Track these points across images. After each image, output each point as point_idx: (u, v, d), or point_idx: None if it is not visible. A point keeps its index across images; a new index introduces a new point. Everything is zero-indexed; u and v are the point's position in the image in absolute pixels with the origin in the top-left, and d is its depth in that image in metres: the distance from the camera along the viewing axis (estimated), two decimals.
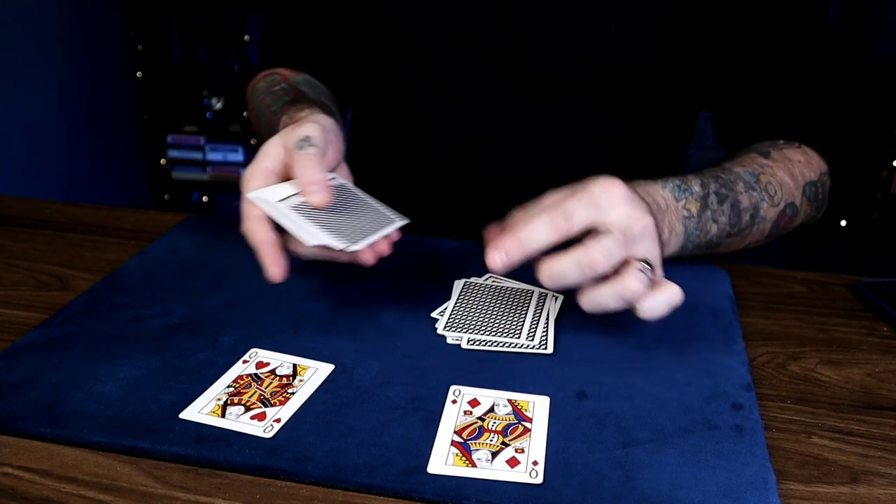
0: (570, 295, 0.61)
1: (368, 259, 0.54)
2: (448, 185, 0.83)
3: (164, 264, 0.66)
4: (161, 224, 0.77)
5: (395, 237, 0.57)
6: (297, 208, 0.52)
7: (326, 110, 0.67)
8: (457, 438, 0.45)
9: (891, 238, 2.11)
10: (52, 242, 0.73)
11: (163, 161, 2.50)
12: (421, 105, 0.81)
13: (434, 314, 0.58)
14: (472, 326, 0.56)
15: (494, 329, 0.56)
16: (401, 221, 0.58)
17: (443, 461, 0.43)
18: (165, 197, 2.55)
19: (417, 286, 0.63)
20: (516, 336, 0.55)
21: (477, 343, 0.55)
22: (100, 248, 0.72)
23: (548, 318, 0.58)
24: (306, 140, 0.55)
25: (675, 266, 0.67)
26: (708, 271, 0.67)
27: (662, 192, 0.59)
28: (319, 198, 0.53)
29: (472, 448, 0.44)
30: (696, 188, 0.61)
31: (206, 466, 0.43)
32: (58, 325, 0.57)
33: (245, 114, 2.40)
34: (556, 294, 0.61)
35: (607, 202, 0.50)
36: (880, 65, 2.12)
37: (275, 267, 0.52)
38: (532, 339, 0.55)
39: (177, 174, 2.52)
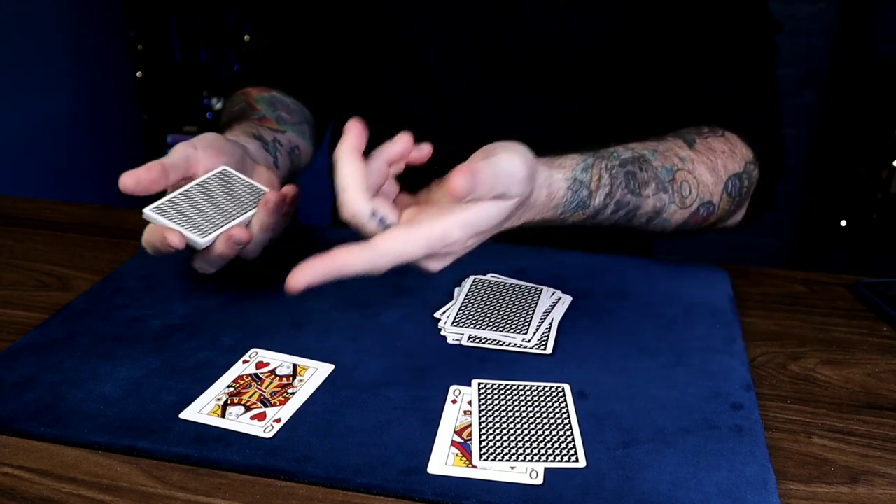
0: (575, 296, 0.61)
1: (240, 235, 0.53)
2: (435, 178, 0.83)
3: (164, 264, 0.66)
4: None
5: (289, 192, 0.57)
6: (167, 210, 0.54)
7: (251, 128, 0.70)
8: (457, 438, 0.45)
9: (891, 238, 2.11)
10: (52, 242, 0.73)
11: None
12: (401, 103, 0.81)
13: (437, 314, 0.58)
14: (476, 322, 0.56)
15: (498, 325, 0.56)
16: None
17: (443, 461, 0.43)
18: None
19: (417, 286, 0.63)
20: (516, 335, 0.55)
21: (478, 340, 0.55)
22: (100, 248, 0.72)
23: (551, 320, 0.58)
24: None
25: (674, 266, 0.67)
26: (708, 271, 0.67)
27: (559, 204, 0.57)
28: (123, 178, 0.54)
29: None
30: (597, 202, 0.59)
31: (206, 466, 0.43)
32: (58, 325, 0.57)
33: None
34: (563, 295, 0.61)
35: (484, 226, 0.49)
36: (880, 65, 2.12)
37: (169, 237, 0.52)
38: (532, 339, 0.55)
39: None
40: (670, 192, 0.64)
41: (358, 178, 0.48)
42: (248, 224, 0.56)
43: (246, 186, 0.59)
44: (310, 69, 0.86)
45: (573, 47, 0.74)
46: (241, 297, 0.61)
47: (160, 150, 2.49)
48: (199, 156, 0.58)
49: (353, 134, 0.49)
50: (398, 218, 0.49)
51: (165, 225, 0.53)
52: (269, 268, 0.65)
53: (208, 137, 0.61)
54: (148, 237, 0.54)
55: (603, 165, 0.60)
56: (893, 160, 1.99)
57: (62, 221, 0.78)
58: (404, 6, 0.77)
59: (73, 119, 2.24)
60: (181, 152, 0.58)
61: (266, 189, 0.58)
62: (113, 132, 2.41)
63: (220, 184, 0.58)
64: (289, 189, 0.57)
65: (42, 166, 2.12)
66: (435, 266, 0.49)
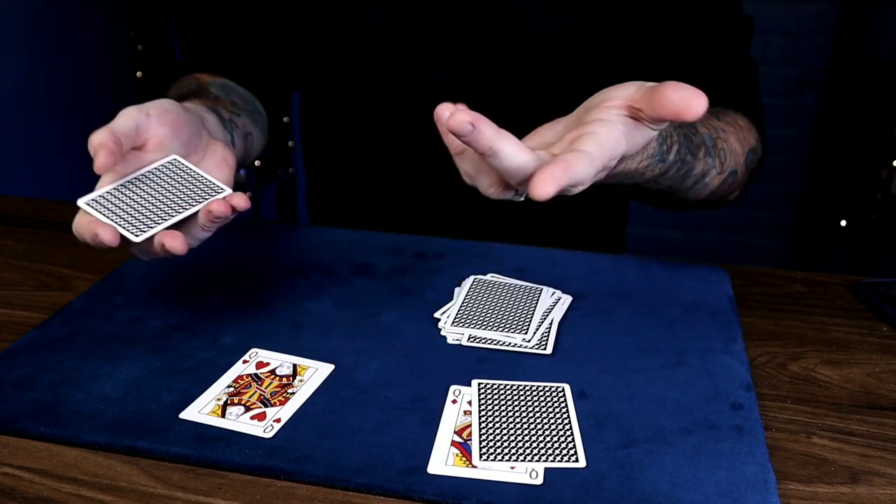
0: (575, 296, 0.61)
1: (175, 245, 0.48)
2: (421, 180, 0.83)
3: (164, 264, 0.66)
4: None
5: (240, 203, 0.51)
6: (104, 205, 0.50)
7: (209, 103, 0.66)
8: (457, 438, 0.45)
9: (891, 238, 2.11)
10: (52, 242, 0.73)
11: None
12: (378, 100, 0.81)
13: (437, 314, 0.58)
14: (476, 322, 0.56)
15: (498, 325, 0.56)
16: (226, 191, 0.53)
17: (443, 461, 0.43)
18: None
19: (417, 286, 0.63)
20: (516, 335, 0.55)
21: (478, 340, 0.55)
22: (100, 248, 0.72)
23: (551, 320, 0.58)
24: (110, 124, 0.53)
25: (674, 266, 0.67)
26: (708, 271, 0.67)
27: (652, 142, 0.55)
28: (98, 161, 0.49)
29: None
30: (670, 157, 0.58)
31: (206, 466, 0.43)
32: (58, 325, 0.57)
33: None
34: (563, 295, 0.61)
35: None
36: (880, 65, 2.12)
37: (101, 232, 0.49)
38: (532, 339, 0.55)
39: None
40: (713, 156, 0.65)
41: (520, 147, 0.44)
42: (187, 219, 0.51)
43: (196, 179, 0.54)
44: (260, 59, 0.84)
45: (549, 41, 0.75)
46: (241, 297, 0.61)
47: None
48: (150, 123, 0.54)
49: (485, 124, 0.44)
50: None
51: (99, 219, 0.49)
52: (270, 268, 0.65)
53: (163, 104, 0.56)
54: (78, 229, 0.50)
55: (670, 124, 0.58)
56: (893, 160, 1.99)
57: (62, 221, 0.78)
58: (381, 14, 0.76)
59: (73, 119, 2.24)
60: (131, 117, 0.53)
61: (218, 184, 0.54)
62: None
63: (167, 175, 0.53)
64: (239, 201, 0.51)
65: (42, 166, 2.12)
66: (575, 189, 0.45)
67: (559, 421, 0.46)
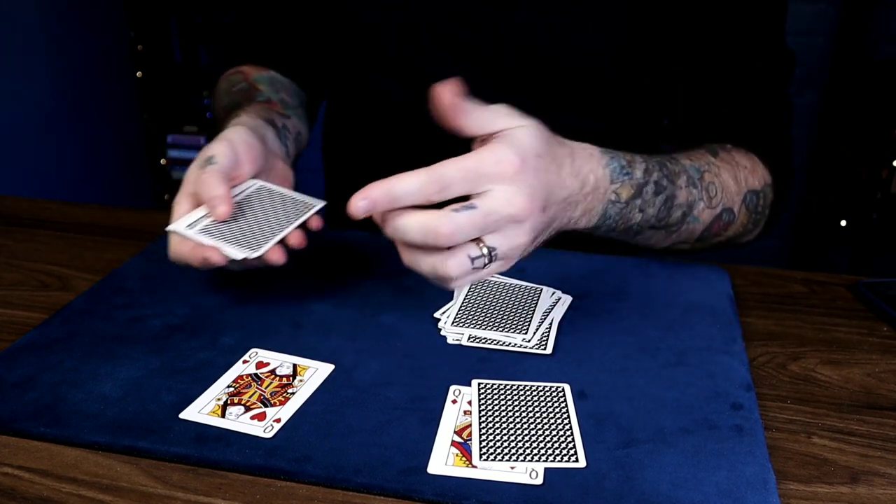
0: (575, 296, 0.61)
1: (277, 259, 0.56)
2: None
3: (164, 264, 0.66)
4: (161, 224, 0.77)
5: (317, 225, 0.60)
6: (206, 229, 0.56)
7: (264, 111, 0.70)
8: (457, 438, 0.45)
9: (891, 238, 2.11)
10: (52, 242, 0.73)
11: (163, 161, 2.50)
12: (395, 109, 0.81)
13: (437, 314, 0.58)
14: (476, 322, 0.56)
15: (498, 325, 0.56)
16: (318, 205, 0.61)
17: (443, 461, 0.43)
18: (165, 197, 2.54)
19: (417, 286, 0.63)
20: (516, 335, 0.55)
21: (478, 340, 0.55)
22: (100, 248, 0.72)
23: (551, 320, 0.58)
24: (209, 160, 0.58)
25: (674, 266, 0.67)
26: (708, 271, 0.67)
27: (600, 169, 0.56)
28: (220, 210, 0.55)
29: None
30: (638, 174, 0.58)
31: (206, 466, 0.43)
32: (58, 325, 0.57)
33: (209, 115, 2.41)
34: (563, 295, 0.61)
35: (495, 175, 0.47)
36: (880, 65, 2.12)
37: (211, 255, 0.54)
38: (532, 339, 0.55)
39: (177, 174, 2.51)
40: (699, 188, 0.64)
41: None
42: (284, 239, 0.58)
43: (287, 198, 0.61)
44: (299, 49, 0.85)
45: (576, 65, 0.73)
46: (241, 297, 0.61)
47: (160, 150, 2.49)
48: (242, 159, 0.60)
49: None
50: None
51: (202, 242, 0.54)
52: (270, 268, 0.65)
53: (245, 138, 0.62)
54: (180, 255, 0.56)
55: (631, 153, 0.60)
56: (893, 160, 1.99)
57: (62, 221, 0.78)
58: (401, 26, 0.75)
59: (73, 119, 2.24)
60: (226, 156, 0.59)
61: (307, 200, 0.61)
62: (113, 132, 2.41)
63: (259, 199, 0.60)
64: (316, 225, 0.60)
65: (42, 166, 2.12)
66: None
67: (559, 421, 0.46)
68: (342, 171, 0.94)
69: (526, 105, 0.75)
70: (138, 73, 2.39)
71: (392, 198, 0.46)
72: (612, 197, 0.57)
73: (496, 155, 0.48)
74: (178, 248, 0.56)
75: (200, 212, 0.57)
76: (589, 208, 0.56)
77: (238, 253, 0.54)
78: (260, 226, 0.57)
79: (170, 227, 0.56)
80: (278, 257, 0.56)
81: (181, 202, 0.58)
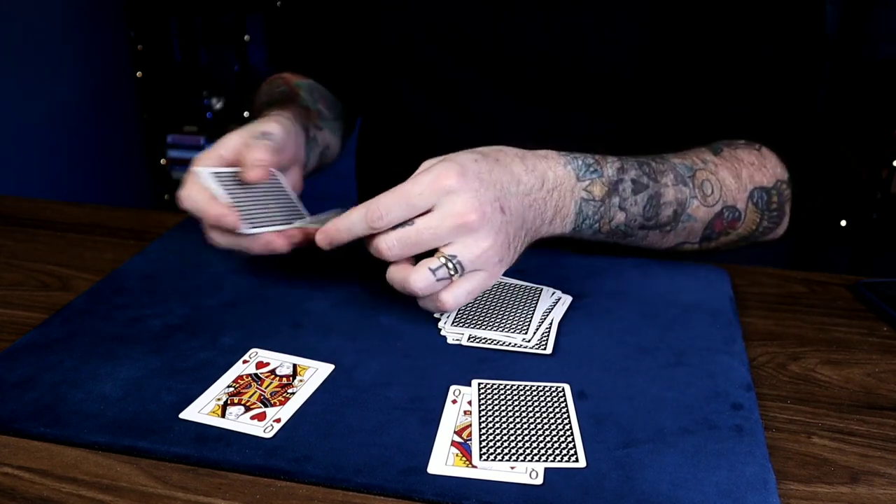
0: (575, 296, 0.61)
1: (281, 244, 0.58)
2: None
3: (164, 264, 0.66)
4: (161, 224, 0.77)
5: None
6: (228, 188, 0.57)
7: (302, 117, 0.71)
8: (457, 438, 0.45)
9: (891, 238, 2.11)
10: (52, 242, 0.73)
11: (163, 161, 2.51)
12: (416, 115, 0.80)
13: (437, 314, 0.58)
14: (476, 322, 0.56)
15: (498, 325, 0.56)
16: (301, 221, 0.62)
17: (443, 461, 0.43)
18: (165, 197, 2.55)
19: None
20: (516, 335, 0.55)
21: (478, 340, 0.55)
22: (100, 248, 0.72)
23: (551, 320, 0.58)
24: (266, 135, 0.60)
25: (674, 266, 0.67)
26: (708, 271, 0.67)
27: (559, 167, 0.57)
28: (255, 174, 0.58)
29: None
30: (610, 172, 0.59)
31: (206, 466, 0.43)
32: (58, 325, 0.57)
33: (246, 114, 2.41)
34: (563, 296, 0.61)
35: (437, 189, 0.50)
36: (880, 65, 2.12)
37: (228, 216, 0.56)
38: (532, 339, 0.55)
39: (177, 174, 2.52)
40: (691, 186, 0.63)
41: None
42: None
43: (289, 200, 0.62)
44: (336, 59, 0.86)
45: (595, 71, 0.72)
46: (241, 297, 0.61)
47: (160, 151, 2.49)
48: (287, 146, 0.62)
49: None
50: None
51: (221, 198, 0.56)
52: (269, 268, 0.65)
53: (290, 127, 0.64)
54: (195, 203, 0.57)
55: (602, 154, 0.60)
56: (893, 160, 1.99)
57: (62, 221, 0.78)
58: (417, 28, 0.76)
59: (73, 119, 2.24)
60: (280, 137, 0.61)
61: (302, 211, 0.63)
62: (113, 132, 2.41)
63: (268, 186, 0.61)
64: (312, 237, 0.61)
65: (42, 166, 2.12)
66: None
67: (559, 421, 0.46)
68: (371, 181, 0.94)
69: (541, 109, 0.75)
70: (138, 73, 2.39)
71: (339, 230, 0.53)
72: (584, 195, 0.58)
73: (432, 173, 0.51)
74: (193, 193, 0.57)
75: (228, 170, 0.58)
76: (560, 206, 0.57)
77: (241, 224, 0.56)
78: (263, 210, 0.58)
79: (196, 168, 0.57)
80: (282, 243, 0.58)
81: (209, 157, 0.59)
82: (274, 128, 0.61)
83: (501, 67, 0.74)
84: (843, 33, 2.19)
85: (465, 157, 0.53)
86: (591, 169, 0.59)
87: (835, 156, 0.73)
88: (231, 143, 0.60)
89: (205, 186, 0.57)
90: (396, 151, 0.86)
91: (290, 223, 0.59)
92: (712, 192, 0.64)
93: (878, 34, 2.15)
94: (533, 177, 0.55)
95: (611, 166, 0.60)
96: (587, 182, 0.58)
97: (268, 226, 0.58)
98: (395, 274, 0.52)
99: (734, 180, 0.65)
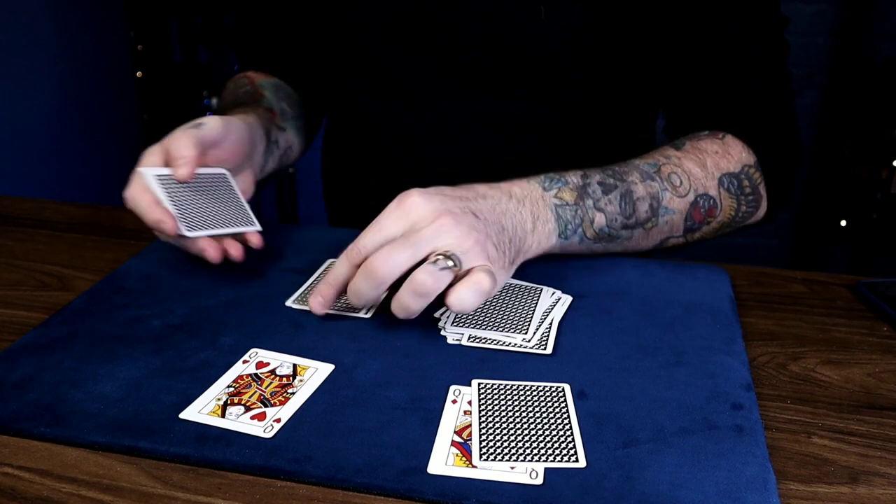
0: (575, 296, 0.61)
1: (212, 255, 0.59)
2: (408, 183, 0.84)
3: (164, 264, 0.66)
4: None
5: (257, 243, 0.62)
6: (168, 188, 0.57)
7: (265, 120, 0.72)
8: (457, 438, 0.45)
9: (891, 238, 2.11)
10: (52, 242, 0.73)
11: None
12: (370, 108, 0.81)
13: (437, 314, 0.58)
14: (476, 322, 0.56)
15: (498, 325, 0.56)
16: (255, 227, 0.63)
17: (443, 461, 0.43)
18: None
19: None
20: (516, 335, 0.55)
21: (478, 340, 0.55)
22: (100, 248, 0.72)
23: (551, 320, 0.58)
24: (196, 125, 0.60)
25: (674, 266, 0.67)
26: (708, 271, 0.67)
27: (523, 182, 0.60)
28: (182, 172, 0.57)
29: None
30: (574, 179, 0.61)
31: (206, 466, 0.43)
32: (58, 325, 0.57)
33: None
34: (562, 295, 0.61)
35: (406, 208, 0.53)
36: (880, 65, 2.12)
37: (167, 222, 0.56)
38: (532, 339, 0.55)
39: None
40: (659, 180, 0.64)
41: None
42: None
43: (237, 204, 0.62)
44: (298, 57, 0.86)
45: (537, 55, 0.73)
46: (241, 297, 0.61)
47: None
48: (226, 142, 0.61)
49: None
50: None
51: (163, 201, 0.56)
52: (270, 268, 0.65)
53: (241, 128, 0.64)
54: (137, 203, 0.57)
55: (566, 170, 0.62)
56: (893, 160, 1.99)
57: (62, 221, 0.78)
58: (365, 16, 0.76)
59: (73, 119, 2.24)
60: (214, 129, 0.61)
61: (252, 217, 0.63)
62: (113, 132, 2.41)
63: (215, 187, 0.60)
64: (257, 242, 0.62)
65: (42, 166, 2.12)
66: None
67: (559, 421, 0.46)
68: (335, 178, 0.94)
69: (484, 97, 0.75)
70: (138, 73, 2.39)
71: (329, 285, 0.55)
72: (556, 201, 0.60)
73: (395, 200, 0.54)
74: (137, 195, 0.57)
75: (168, 171, 0.58)
76: (537, 214, 0.59)
77: (180, 227, 0.56)
78: (206, 212, 0.58)
79: (141, 169, 0.57)
80: (213, 253, 0.59)
81: (154, 152, 0.59)
82: (210, 121, 0.61)
83: (446, 55, 0.75)
84: (843, 33, 2.19)
85: (425, 188, 0.55)
86: (555, 180, 0.61)
87: (796, 134, 0.73)
88: (174, 135, 0.60)
89: (148, 188, 0.57)
90: (356, 147, 0.87)
91: (231, 227, 0.60)
92: (681, 183, 0.65)
93: (878, 34, 2.15)
94: (497, 192, 0.58)
95: (573, 175, 0.62)
96: (555, 190, 0.60)
97: (207, 229, 0.58)
98: (399, 296, 0.52)
99: (700, 169, 0.66)
